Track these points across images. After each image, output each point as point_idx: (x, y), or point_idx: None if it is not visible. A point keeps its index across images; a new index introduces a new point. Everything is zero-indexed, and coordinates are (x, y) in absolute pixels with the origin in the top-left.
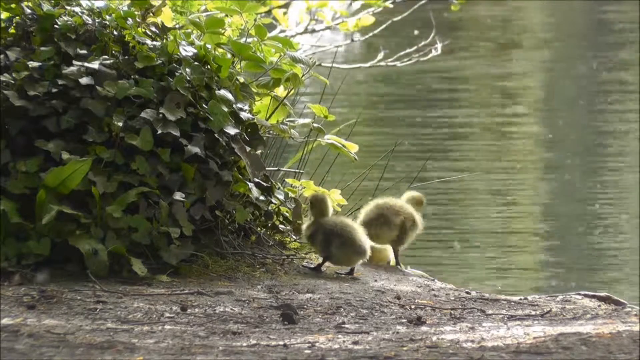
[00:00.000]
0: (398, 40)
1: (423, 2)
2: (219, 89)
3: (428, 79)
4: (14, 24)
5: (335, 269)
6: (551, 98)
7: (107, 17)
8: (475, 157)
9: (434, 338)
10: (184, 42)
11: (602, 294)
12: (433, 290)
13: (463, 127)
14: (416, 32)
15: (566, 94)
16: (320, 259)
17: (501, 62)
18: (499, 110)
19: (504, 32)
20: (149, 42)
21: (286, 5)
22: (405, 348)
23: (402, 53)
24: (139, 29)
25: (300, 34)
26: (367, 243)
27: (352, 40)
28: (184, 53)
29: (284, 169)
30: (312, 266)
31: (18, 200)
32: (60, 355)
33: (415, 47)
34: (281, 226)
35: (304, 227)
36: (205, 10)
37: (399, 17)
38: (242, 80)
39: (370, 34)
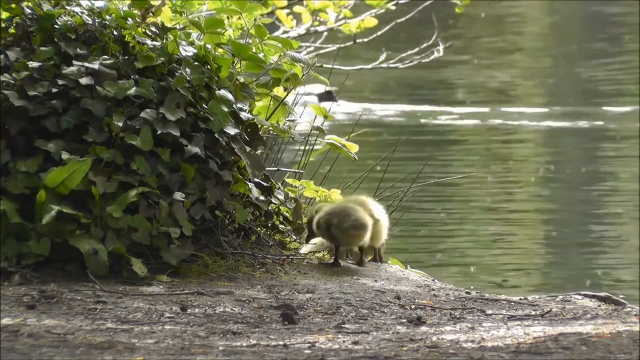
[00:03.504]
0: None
1: (427, 3)
2: (219, 89)
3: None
4: (14, 24)
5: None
6: (551, 98)
7: (107, 17)
8: (475, 159)
9: (434, 338)
10: (184, 42)
11: (602, 294)
12: (433, 290)
13: (463, 130)
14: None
15: (565, 91)
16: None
17: (496, 66)
18: (498, 111)
19: (499, 32)
20: (149, 42)
21: (289, 6)
22: (405, 348)
23: (404, 55)
24: (139, 29)
25: (303, 35)
26: (365, 218)
27: (354, 41)
28: (184, 53)
29: (284, 169)
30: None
31: (18, 200)
32: (60, 355)
33: (417, 49)
34: (281, 226)
35: (315, 223)
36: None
37: (403, 19)
38: (242, 80)
39: (363, 40)
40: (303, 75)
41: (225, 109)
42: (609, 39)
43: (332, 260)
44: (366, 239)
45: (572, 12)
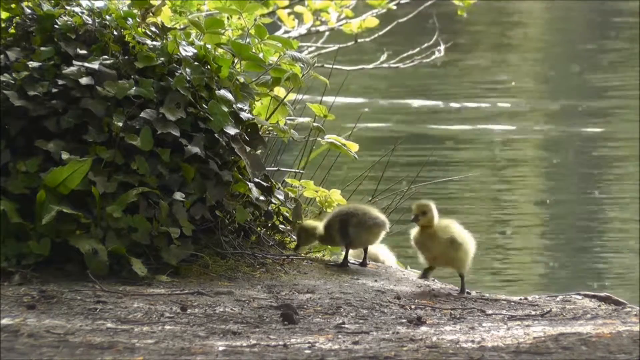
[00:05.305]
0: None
1: (429, 3)
2: (219, 89)
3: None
4: (14, 24)
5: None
6: (550, 97)
7: (107, 17)
8: (474, 159)
9: (434, 338)
10: (184, 42)
11: (602, 294)
12: (433, 290)
13: (463, 128)
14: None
15: (564, 91)
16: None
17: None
18: (497, 108)
19: (496, 30)
20: (149, 42)
21: (291, 6)
22: (405, 348)
23: (404, 55)
24: (139, 29)
25: (304, 35)
26: (384, 216)
27: (356, 41)
28: (184, 53)
29: (284, 169)
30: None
31: (18, 200)
32: (60, 355)
33: (417, 49)
34: (281, 226)
35: (318, 229)
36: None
37: (404, 19)
38: (242, 80)
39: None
40: (303, 75)
41: (225, 109)
42: (610, 39)
43: (340, 261)
44: (381, 237)
45: (571, 10)
